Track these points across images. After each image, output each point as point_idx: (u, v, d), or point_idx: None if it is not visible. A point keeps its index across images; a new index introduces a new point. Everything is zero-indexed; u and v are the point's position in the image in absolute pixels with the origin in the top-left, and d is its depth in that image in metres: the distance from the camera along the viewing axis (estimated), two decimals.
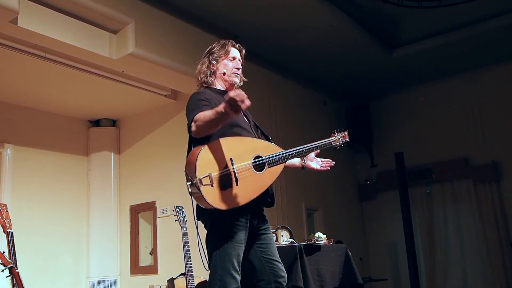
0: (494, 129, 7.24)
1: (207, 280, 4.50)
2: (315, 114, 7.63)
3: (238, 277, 2.45)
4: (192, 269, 4.18)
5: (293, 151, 2.60)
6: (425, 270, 7.48)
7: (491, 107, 7.32)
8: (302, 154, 2.67)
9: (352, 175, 8.35)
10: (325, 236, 4.32)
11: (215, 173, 2.28)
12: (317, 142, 2.74)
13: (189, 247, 4.23)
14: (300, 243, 3.99)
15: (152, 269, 6.03)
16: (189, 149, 2.51)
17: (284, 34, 6.05)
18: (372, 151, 8.22)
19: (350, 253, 4.29)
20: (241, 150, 2.43)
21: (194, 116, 2.37)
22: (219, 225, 2.44)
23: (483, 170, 7.21)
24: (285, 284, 2.59)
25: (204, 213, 2.50)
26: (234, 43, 2.73)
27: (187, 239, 4.28)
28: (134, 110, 6.48)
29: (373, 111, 8.20)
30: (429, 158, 7.62)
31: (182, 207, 4.51)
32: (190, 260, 4.20)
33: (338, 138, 2.90)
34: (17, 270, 3.37)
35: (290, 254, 3.73)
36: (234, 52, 2.71)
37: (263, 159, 2.47)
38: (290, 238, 4.30)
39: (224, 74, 2.66)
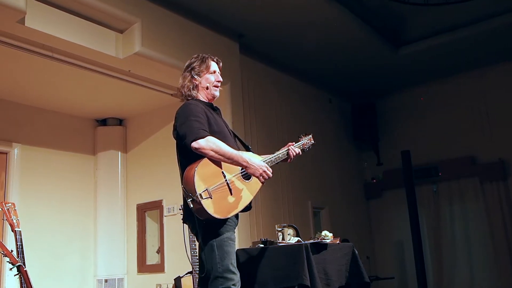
0: (501, 127, 7.21)
1: None
2: (321, 112, 7.63)
3: (238, 273, 2.64)
4: (198, 268, 4.19)
5: (272, 157, 2.90)
6: (432, 269, 7.46)
7: (498, 105, 7.28)
8: (281, 160, 2.98)
9: (359, 174, 8.34)
10: (331, 234, 4.30)
11: (212, 186, 2.53)
12: (285, 148, 3.04)
13: (195, 246, 4.24)
14: (306, 242, 3.99)
15: (159, 268, 6.05)
16: (182, 162, 2.76)
17: (290, 32, 6.05)
18: (378, 149, 8.20)
19: (356, 252, 4.28)
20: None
21: (206, 136, 2.60)
22: (215, 226, 2.60)
23: (490, 168, 7.18)
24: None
25: (197, 218, 2.63)
26: (213, 57, 2.96)
27: (194, 238, 4.28)
28: (140, 109, 6.50)
29: (379, 109, 8.18)
30: (436, 156, 7.60)
31: None
32: (197, 259, 4.21)
33: (306, 141, 3.23)
34: (25, 269, 3.39)
35: (296, 252, 3.73)
36: (214, 66, 2.94)
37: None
38: (296, 236, 4.30)
39: (207, 88, 2.89)
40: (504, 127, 7.18)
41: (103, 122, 6.74)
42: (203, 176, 2.53)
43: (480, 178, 7.28)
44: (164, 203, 6.14)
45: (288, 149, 3.03)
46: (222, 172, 2.62)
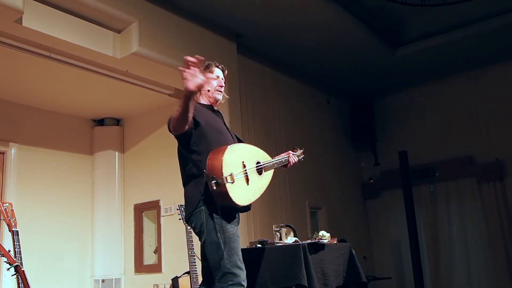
0: (498, 128, 7.23)
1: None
2: (318, 113, 7.63)
3: (244, 270, 2.66)
4: (196, 268, 4.20)
5: (280, 159, 3.13)
6: (429, 269, 7.47)
7: (495, 106, 7.30)
8: (281, 165, 3.18)
9: (356, 174, 8.35)
10: (329, 234, 4.31)
11: (235, 172, 2.64)
12: (285, 154, 3.24)
13: (193, 246, 4.24)
14: (304, 242, 3.99)
15: (156, 268, 6.05)
16: (184, 159, 2.83)
17: (287, 32, 6.05)
18: (376, 149, 8.21)
19: (354, 252, 4.29)
20: (247, 155, 2.83)
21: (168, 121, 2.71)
22: (219, 223, 2.64)
23: (487, 169, 7.20)
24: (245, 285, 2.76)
25: (202, 215, 2.67)
26: (218, 64, 3.02)
27: (191, 238, 4.29)
28: (138, 109, 6.49)
29: (377, 109, 8.20)
30: (433, 156, 7.61)
31: None
32: (194, 259, 4.22)
33: (299, 153, 3.40)
34: (22, 269, 3.39)
35: (294, 252, 3.73)
36: (218, 71, 3.01)
37: (263, 164, 2.89)
38: (294, 236, 4.30)
39: (208, 91, 2.94)
40: (501, 128, 7.20)
41: (101, 122, 6.73)
42: (228, 163, 2.63)
43: (477, 178, 7.29)
44: (161, 203, 6.14)
45: (289, 156, 3.22)
46: (243, 162, 2.73)
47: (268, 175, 2.94)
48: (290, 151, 3.28)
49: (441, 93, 7.72)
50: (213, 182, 2.56)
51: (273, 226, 4.13)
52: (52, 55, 4.76)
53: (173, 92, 6.02)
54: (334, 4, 5.67)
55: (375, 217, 8.21)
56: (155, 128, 6.40)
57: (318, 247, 3.98)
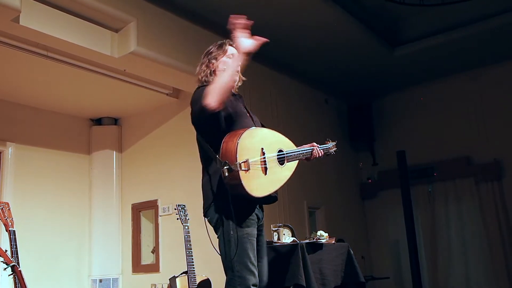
0: (497, 128, 7.22)
1: (209, 278, 4.50)
2: (317, 113, 7.63)
3: (256, 272, 2.45)
4: (194, 268, 4.19)
5: (307, 150, 2.80)
6: (427, 269, 7.47)
7: (494, 106, 7.30)
8: (303, 157, 2.83)
9: (354, 174, 8.35)
10: (327, 234, 4.31)
11: (251, 160, 2.36)
12: (309, 146, 2.89)
13: (191, 246, 4.23)
14: (302, 242, 3.99)
15: (154, 268, 6.04)
16: (202, 150, 2.55)
17: (285, 32, 6.04)
18: (374, 149, 8.21)
19: (352, 252, 4.29)
20: (269, 141, 2.54)
21: (204, 96, 2.38)
22: (234, 220, 2.42)
23: (485, 168, 7.19)
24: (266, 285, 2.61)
25: (217, 210, 2.48)
26: (231, 42, 2.74)
27: (189, 238, 4.28)
28: (136, 108, 6.48)
29: (375, 109, 8.19)
30: (431, 156, 7.61)
31: (184, 205, 4.51)
32: (192, 259, 4.21)
33: (330, 146, 3.14)
34: (19, 269, 3.37)
35: (292, 252, 3.72)
36: (232, 50, 2.74)
37: (285, 153, 2.60)
38: (292, 236, 4.29)
39: (224, 71, 2.63)
40: (499, 128, 7.19)
41: (98, 121, 6.72)
42: (245, 148, 2.36)
43: (475, 178, 7.29)
44: (159, 203, 6.13)
45: (313, 148, 2.87)
46: (262, 148, 2.45)
47: (291, 165, 2.66)
48: (314, 143, 2.92)
49: (440, 93, 7.72)
50: (225, 168, 2.30)
51: (271, 225, 4.12)
52: (50, 54, 4.75)
53: (171, 92, 6.01)
54: (332, 4, 5.66)
55: (373, 217, 8.21)
56: (153, 128, 6.39)
57: (316, 247, 3.98)
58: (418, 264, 6.64)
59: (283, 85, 7.02)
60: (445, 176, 7.52)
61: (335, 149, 3.18)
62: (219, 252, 2.51)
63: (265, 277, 2.63)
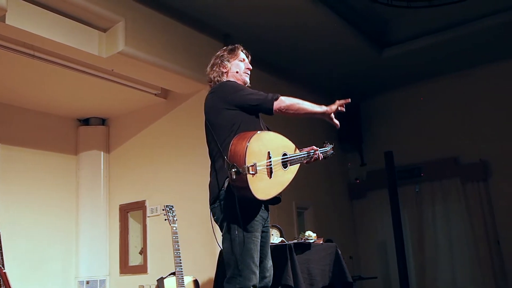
0: (482, 128, 7.30)
1: (197, 279, 4.49)
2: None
3: (258, 273, 2.50)
4: (182, 269, 4.18)
5: (309, 153, 2.89)
6: (415, 268, 7.53)
7: (480, 107, 7.37)
8: (302, 160, 2.90)
9: (342, 174, 8.38)
10: (315, 234, 4.33)
11: (259, 163, 2.44)
12: (309, 149, 2.95)
13: (179, 247, 4.22)
14: (290, 242, 4.00)
15: (141, 269, 6.01)
16: (215, 144, 2.64)
17: (274, 33, 6.05)
18: (362, 150, 8.25)
19: (340, 252, 4.31)
20: (275, 145, 2.65)
21: (277, 96, 2.77)
22: (239, 220, 2.47)
23: (472, 169, 7.27)
24: (269, 284, 2.66)
25: (224, 209, 2.55)
26: (242, 48, 3.03)
27: (177, 239, 4.27)
28: (123, 108, 6.44)
29: (363, 110, 8.23)
30: (419, 157, 7.67)
31: (172, 206, 4.50)
32: (180, 260, 4.19)
33: (329, 149, 3.26)
34: (4, 270, 3.34)
35: (280, 252, 3.73)
36: (243, 55, 3.03)
37: (289, 157, 2.69)
38: (280, 236, 4.31)
39: (237, 72, 2.96)
40: (485, 128, 7.27)
41: (86, 121, 6.68)
42: (253, 152, 2.43)
43: (462, 178, 7.36)
44: (147, 204, 6.10)
45: (314, 152, 2.92)
46: (268, 152, 2.54)
47: (293, 168, 2.75)
48: (314, 146, 2.98)
49: (427, 94, 7.78)
50: (233, 170, 2.36)
51: None
52: (36, 54, 4.71)
53: (159, 92, 5.99)
54: (320, 5, 5.68)
55: (361, 217, 8.24)
56: (141, 128, 6.35)
57: (304, 247, 3.99)
58: (406, 263, 6.68)
59: (271, 86, 7.00)
60: (432, 176, 7.59)
61: (332, 152, 3.28)
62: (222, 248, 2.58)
63: (268, 273, 2.69)
